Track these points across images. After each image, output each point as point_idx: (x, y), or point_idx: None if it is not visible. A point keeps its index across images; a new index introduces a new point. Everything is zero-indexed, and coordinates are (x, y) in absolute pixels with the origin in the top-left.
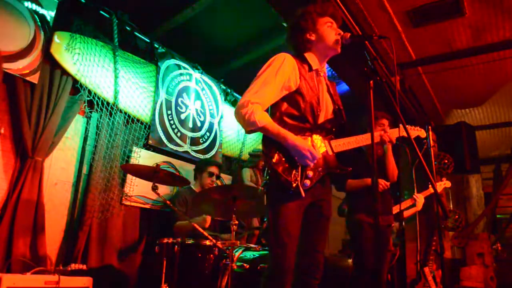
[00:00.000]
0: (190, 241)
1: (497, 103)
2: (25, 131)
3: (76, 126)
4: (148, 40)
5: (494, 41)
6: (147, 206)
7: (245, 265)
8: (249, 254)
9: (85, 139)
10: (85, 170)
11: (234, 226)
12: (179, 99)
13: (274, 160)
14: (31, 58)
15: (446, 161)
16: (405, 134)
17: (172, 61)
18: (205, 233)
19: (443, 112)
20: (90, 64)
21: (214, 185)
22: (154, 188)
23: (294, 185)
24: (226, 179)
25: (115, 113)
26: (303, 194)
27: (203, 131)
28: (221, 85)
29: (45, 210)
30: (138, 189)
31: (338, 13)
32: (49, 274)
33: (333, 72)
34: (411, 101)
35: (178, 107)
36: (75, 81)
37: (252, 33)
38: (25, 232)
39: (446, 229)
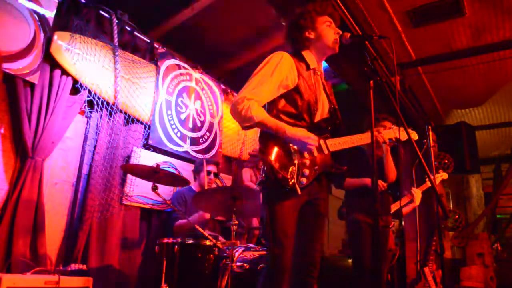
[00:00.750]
0: (190, 241)
1: (497, 103)
2: (25, 131)
3: (76, 126)
4: (148, 40)
5: (494, 41)
6: (147, 206)
7: (245, 265)
8: (249, 254)
9: (85, 139)
10: (85, 170)
11: (234, 226)
12: (179, 99)
13: (270, 157)
14: (31, 58)
15: (446, 161)
16: (398, 135)
17: (172, 61)
18: (205, 233)
19: (443, 112)
20: (90, 64)
21: (213, 183)
22: (154, 188)
23: (290, 182)
24: (226, 179)
25: (115, 113)
26: (299, 192)
27: (203, 131)
28: (221, 85)
29: (45, 210)
30: (138, 189)
31: (336, 13)
32: (49, 274)
33: (329, 67)
34: (411, 101)
35: (178, 107)
36: (75, 81)
37: (252, 33)
38: (25, 232)
39: (446, 229)
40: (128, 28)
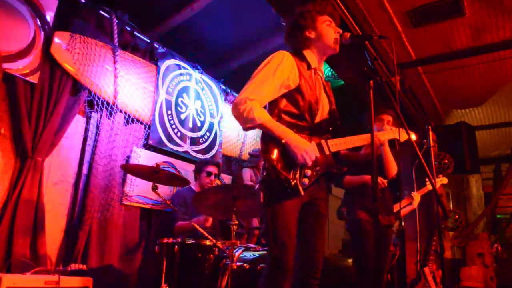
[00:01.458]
0: (190, 241)
1: (497, 103)
2: (25, 131)
3: (76, 126)
4: (148, 40)
5: (494, 41)
6: (147, 206)
7: (245, 265)
8: (249, 254)
9: (85, 139)
10: (85, 170)
11: (234, 226)
12: (179, 99)
13: (273, 157)
14: (31, 58)
15: (446, 161)
16: (397, 136)
17: (172, 61)
18: (205, 233)
19: (443, 112)
20: (90, 64)
21: (214, 184)
22: (154, 188)
23: (293, 183)
24: (226, 179)
25: (115, 113)
26: (302, 193)
27: (203, 131)
28: (221, 85)
29: (45, 210)
30: (138, 189)
31: (336, 12)
32: (49, 274)
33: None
34: (411, 101)
35: (178, 107)
36: (75, 81)
37: (252, 33)
38: (25, 232)
39: (446, 229)
40: (128, 28)
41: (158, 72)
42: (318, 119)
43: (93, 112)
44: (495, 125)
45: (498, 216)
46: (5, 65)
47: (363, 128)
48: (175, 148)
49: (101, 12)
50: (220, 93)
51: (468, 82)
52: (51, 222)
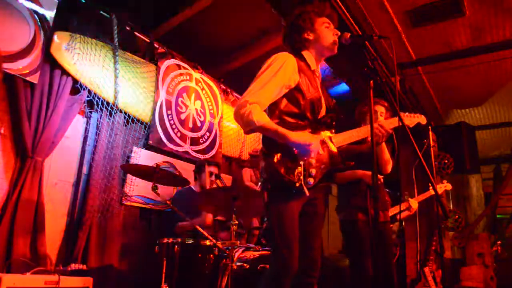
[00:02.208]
0: (190, 241)
1: (497, 103)
2: (25, 131)
3: (76, 126)
4: (148, 40)
5: (494, 41)
6: (147, 206)
7: (245, 265)
8: (249, 254)
9: (85, 139)
10: (85, 170)
11: (234, 226)
12: (179, 99)
13: (275, 160)
14: (31, 58)
15: (446, 161)
16: (399, 123)
17: (172, 61)
18: (205, 233)
19: (443, 112)
20: (90, 64)
21: (214, 184)
22: (154, 188)
23: (297, 184)
24: (226, 179)
25: (115, 113)
26: (307, 193)
27: (203, 131)
28: (221, 85)
29: (45, 210)
30: (138, 189)
31: (335, 14)
32: (49, 274)
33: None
34: (411, 101)
35: (178, 107)
36: (75, 81)
37: (252, 33)
38: (25, 232)
39: (446, 229)
40: (128, 28)
41: (158, 72)
42: (320, 115)
43: (93, 112)
44: (495, 125)
45: (498, 216)
46: (5, 65)
47: (354, 122)
48: (175, 148)
49: (101, 12)
50: (220, 93)
51: (468, 82)
52: (51, 222)
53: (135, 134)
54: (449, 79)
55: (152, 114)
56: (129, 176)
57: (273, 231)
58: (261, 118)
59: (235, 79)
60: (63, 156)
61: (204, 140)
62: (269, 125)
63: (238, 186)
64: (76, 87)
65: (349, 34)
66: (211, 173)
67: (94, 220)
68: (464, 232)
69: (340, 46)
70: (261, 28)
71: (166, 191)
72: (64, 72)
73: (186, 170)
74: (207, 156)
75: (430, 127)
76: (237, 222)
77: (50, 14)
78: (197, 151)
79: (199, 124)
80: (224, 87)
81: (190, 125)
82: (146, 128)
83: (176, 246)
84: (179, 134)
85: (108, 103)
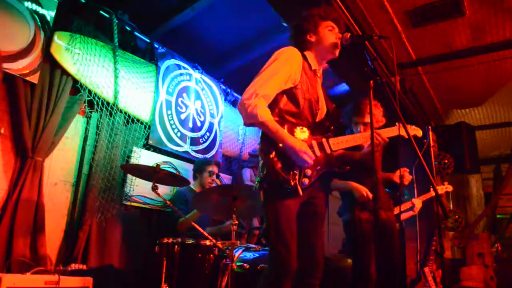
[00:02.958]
0: (190, 241)
1: (497, 103)
2: (25, 131)
3: (76, 126)
4: (148, 40)
5: (494, 41)
6: (147, 206)
7: (245, 265)
8: (249, 254)
9: (85, 139)
10: (85, 170)
11: (234, 226)
12: (179, 99)
13: (272, 157)
14: (31, 58)
15: (446, 161)
16: (398, 133)
17: (172, 61)
18: (205, 233)
19: (443, 112)
20: (90, 64)
21: (214, 184)
22: (154, 188)
23: (292, 183)
24: (226, 179)
25: (115, 113)
26: (301, 193)
27: (203, 131)
28: (221, 85)
29: (45, 210)
30: (138, 189)
31: (341, 19)
32: (49, 274)
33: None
34: (411, 101)
35: (178, 107)
36: (75, 81)
37: (252, 33)
38: (25, 232)
39: (446, 229)
40: (128, 28)
41: (158, 72)
42: (319, 118)
43: (93, 112)
44: (495, 125)
45: (498, 216)
46: (5, 65)
47: (346, 123)
48: (175, 148)
49: (101, 12)
50: (220, 93)
51: (468, 82)
52: (51, 222)
53: (135, 134)
54: (449, 79)
55: (152, 114)
56: (129, 176)
57: (269, 230)
58: (265, 114)
59: (235, 79)
60: (63, 156)
61: (204, 140)
62: (271, 123)
63: (238, 186)
64: (76, 87)
65: (349, 34)
66: (211, 172)
67: (94, 220)
68: (464, 232)
69: (340, 46)
70: (261, 28)
71: (166, 191)
72: (64, 72)
73: (186, 170)
74: (207, 156)
75: (430, 127)
76: (237, 222)
77: (50, 14)
78: (197, 151)
79: (199, 124)
80: (224, 87)
81: (190, 125)
82: (146, 128)
83: (176, 246)
84: (179, 134)
85: (108, 103)
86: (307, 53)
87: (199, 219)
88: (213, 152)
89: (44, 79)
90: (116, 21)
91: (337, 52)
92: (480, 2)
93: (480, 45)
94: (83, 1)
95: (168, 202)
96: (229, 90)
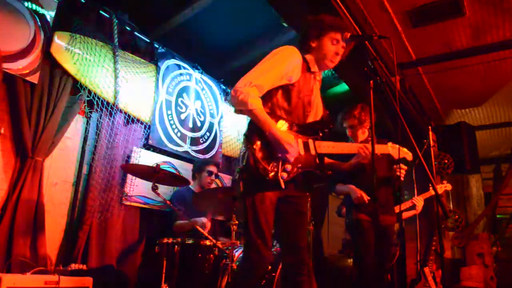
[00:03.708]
0: (190, 241)
1: (497, 103)
2: (25, 131)
3: (76, 126)
4: (148, 40)
5: (494, 41)
6: (147, 206)
7: None
8: None
9: (85, 139)
10: (85, 170)
11: (234, 226)
12: (179, 99)
13: (255, 146)
14: (31, 58)
15: (446, 161)
16: (390, 152)
17: (172, 61)
18: (205, 233)
19: (443, 112)
20: (90, 64)
21: (213, 184)
22: (154, 188)
23: (270, 174)
24: (226, 179)
25: (115, 113)
26: (283, 186)
27: (203, 131)
28: (221, 85)
29: (45, 210)
30: (138, 189)
31: (347, 27)
32: (49, 274)
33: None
34: (411, 101)
35: (178, 107)
36: (75, 81)
37: (252, 33)
38: (25, 232)
39: (446, 229)
40: (128, 28)
41: (158, 72)
42: (310, 120)
43: (93, 112)
44: (495, 125)
45: (498, 216)
46: (5, 65)
47: (337, 130)
48: (175, 148)
49: (101, 12)
50: (220, 93)
51: (468, 82)
52: (51, 222)
53: (135, 134)
54: (449, 79)
55: (152, 114)
56: (129, 176)
57: (247, 222)
58: (256, 103)
59: (235, 79)
60: (63, 156)
61: (204, 140)
62: (261, 112)
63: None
64: (76, 87)
65: (349, 34)
66: (211, 172)
67: (94, 220)
68: (464, 232)
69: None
70: (261, 28)
71: (166, 191)
72: (64, 72)
73: (186, 170)
74: (207, 156)
75: (430, 127)
76: (237, 222)
77: (50, 14)
78: (197, 151)
79: (199, 124)
80: (224, 87)
81: (190, 125)
82: (146, 128)
83: (176, 246)
84: (179, 134)
85: (108, 103)
86: (308, 56)
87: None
88: (213, 152)
89: (44, 79)
90: (116, 21)
91: (332, 66)
92: (480, 2)
93: (480, 45)
94: (83, 1)
95: (168, 202)
96: (229, 90)
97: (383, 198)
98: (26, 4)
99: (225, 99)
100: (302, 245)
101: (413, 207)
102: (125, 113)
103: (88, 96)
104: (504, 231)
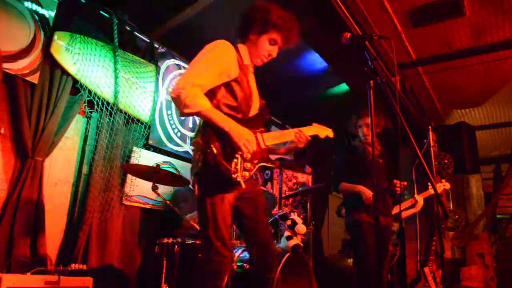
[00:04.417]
0: (190, 241)
1: (497, 103)
2: (25, 131)
3: (76, 126)
4: (148, 40)
5: (494, 41)
6: (147, 206)
7: (245, 265)
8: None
9: (85, 139)
10: (85, 170)
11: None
12: None
13: (214, 148)
14: (31, 58)
15: (446, 161)
16: (317, 132)
17: (172, 61)
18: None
19: (443, 112)
20: (90, 64)
21: None
22: (154, 188)
23: (234, 176)
24: None
25: (115, 113)
26: (244, 186)
27: None
28: None
29: (45, 210)
30: (138, 189)
31: (293, 37)
32: (49, 274)
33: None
34: (411, 101)
35: None
36: (75, 81)
37: None
38: (25, 232)
39: (446, 229)
40: (128, 28)
41: (158, 72)
42: (252, 112)
43: (93, 112)
44: (495, 125)
45: (498, 216)
46: (5, 65)
47: (350, 131)
48: (175, 148)
49: (101, 12)
50: None
51: (468, 82)
52: (51, 222)
53: (135, 134)
54: (449, 79)
55: (152, 114)
56: (129, 176)
57: (206, 225)
58: (206, 102)
59: None
60: (63, 156)
61: None
62: (213, 111)
63: None
64: (76, 87)
65: (349, 34)
66: None
67: (94, 220)
68: (464, 232)
69: (340, 46)
70: None
71: (166, 191)
72: (64, 72)
73: (186, 170)
74: None
75: (430, 127)
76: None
77: (50, 14)
78: None
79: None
80: None
81: (190, 125)
82: (146, 128)
83: (176, 246)
84: (179, 134)
85: (108, 103)
86: (241, 46)
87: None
88: None
89: (44, 79)
90: (116, 21)
91: (259, 64)
92: (480, 2)
93: (480, 45)
94: (83, 1)
95: (168, 202)
96: None
97: (382, 198)
98: (26, 4)
99: None
100: (267, 238)
101: (413, 205)
102: (125, 113)
103: (88, 96)
104: (504, 231)
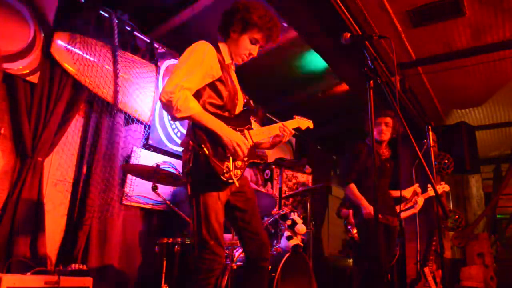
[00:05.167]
0: (190, 241)
1: (497, 103)
2: (25, 131)
3: (76, 126)
4: (148, 40)
5: (494, 41)
6: (147, 206)
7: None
8: None
9: (85, 139)
10: (85, 170)
11: None
12: None
13: (205, 149)
14: (31, 58)
15: (446, 161)
16: (299, 124)
17: (172, 61)
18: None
19: (443, 112)
20: (90, 64)
21: None
22: (154, 188)
23: (227, 175)
24: None
25: (115, 113)
26: (237, 184)
27: None
28: None
29: (45, 210)
30: (138, 189)
31: (275, 36)
32: (49, 274)
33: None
34: (411, 101)
35: None
36: (75, 81)
37: None
38: (25, 232)
39: (446, 229)
40: (128, 28)
41: (158, 72)
42: (238, 110)
43: (93, 112)
44: (495, 125)
45: (498, 216)
46: (5, 65)
47: (363, 131)
48: (175, 148)
49: (101, 12)
50: None
51: (468, 82)
52: (51, 222)
53: (135, 134)
54: (449, 79)
55: (152, 114)
56: (129, 176)
57: (199, 224)
58: (197, 105)
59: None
60: (63, 156)
61: None
62: (204, 114)
63: None
64: (76, 87)
65: (349, 34)
66: None
67: (94, 220)
68: (464, 232)
69: (340, 46)
70: None
71: (166, 191)
72: (64, 72)
73: None
74: None
75: (430, 127)
76: None
77: (50, 14)
78: None
79: None
80: None
81: None
82: (146, 128)
83: (176, 246)
84: (179, 134)
85: (108, 103)
86: (222, 45)
87: None
88: None
89: (44, 79)
90: (116, 21)
91: (240, 62)
92: (480, 2)
93: (480, 45)
94: (83, 1)
95: (168, 202)
96: None
97: (389, 200)
98: (26, 4)
99: None
100: (259, 231)
101: (412, 206)
102: (125, 113)
103: (88, 96)
104: (504, 231)
